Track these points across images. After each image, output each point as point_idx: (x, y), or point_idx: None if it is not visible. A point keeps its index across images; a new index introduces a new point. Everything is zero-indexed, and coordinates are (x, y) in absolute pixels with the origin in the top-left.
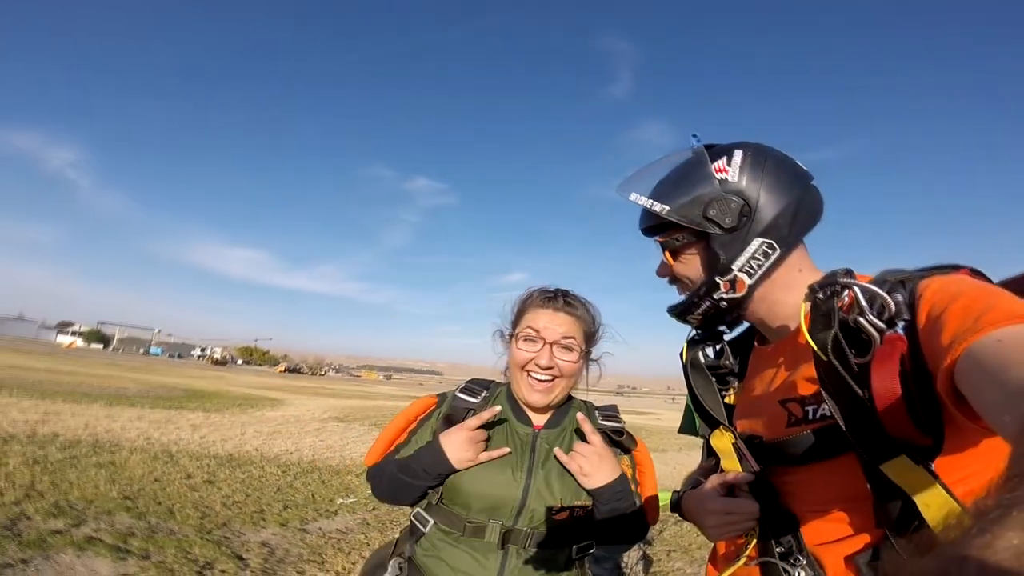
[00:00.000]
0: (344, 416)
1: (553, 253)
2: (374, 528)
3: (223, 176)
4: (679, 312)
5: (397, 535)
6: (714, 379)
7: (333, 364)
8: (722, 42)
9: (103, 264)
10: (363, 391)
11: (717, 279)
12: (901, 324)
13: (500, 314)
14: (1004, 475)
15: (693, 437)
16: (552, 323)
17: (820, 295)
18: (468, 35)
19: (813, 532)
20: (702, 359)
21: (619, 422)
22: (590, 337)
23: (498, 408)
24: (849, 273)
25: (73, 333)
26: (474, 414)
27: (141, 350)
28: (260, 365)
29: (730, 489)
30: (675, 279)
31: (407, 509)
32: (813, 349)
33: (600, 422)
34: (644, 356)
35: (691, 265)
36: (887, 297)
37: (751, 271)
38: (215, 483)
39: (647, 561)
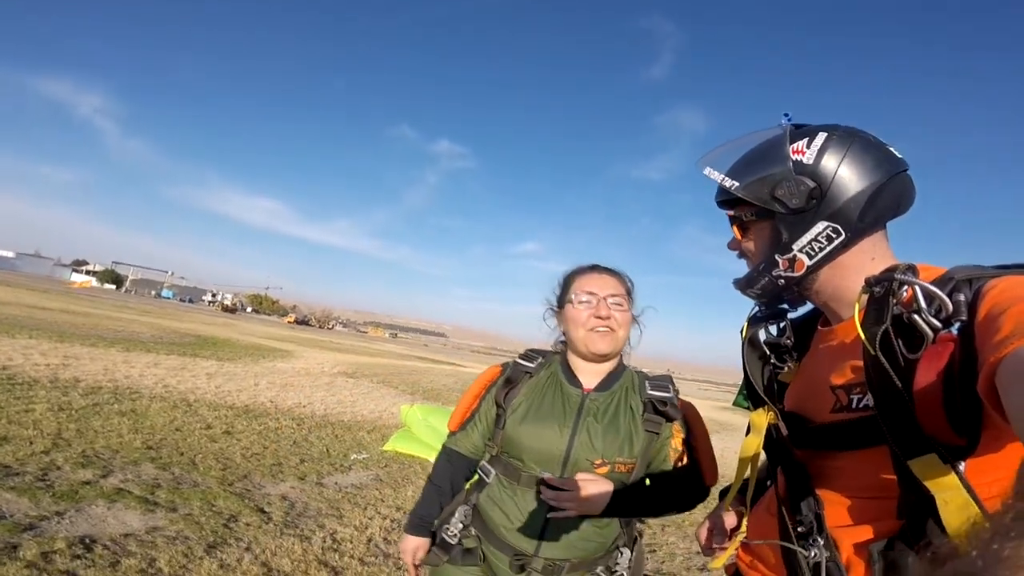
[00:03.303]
0: (353, 372)
1: (570, 227)
2: (387, 484)
3: (245, 126)
4: (741, 285)
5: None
6: (773, 356)
7: (340, 318)
8: (771, 32)
9: (122, 206)
10: (370, 348)
11: (776, 257)
12: (957, 324)
13: (545, 297)
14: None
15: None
16: (600, 283)
17: (876, 289)
18: (506, 2)
19: (835, 516)
20: (761, 336)
21: (668, 392)
22: (630, 293)
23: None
24: (911, 269)
25: (88, 272)
26: (530, 376)
27: (153, 292)
28: (269, 314)
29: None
30: (743, 254)
31: (418, 468)
32: (862, 341)
33: (649, 392)
34: (646, 337)
35: (756, 241)
36: (944, 298)
37: (811, 253)
38: (233, 434)
39: (639, 535)
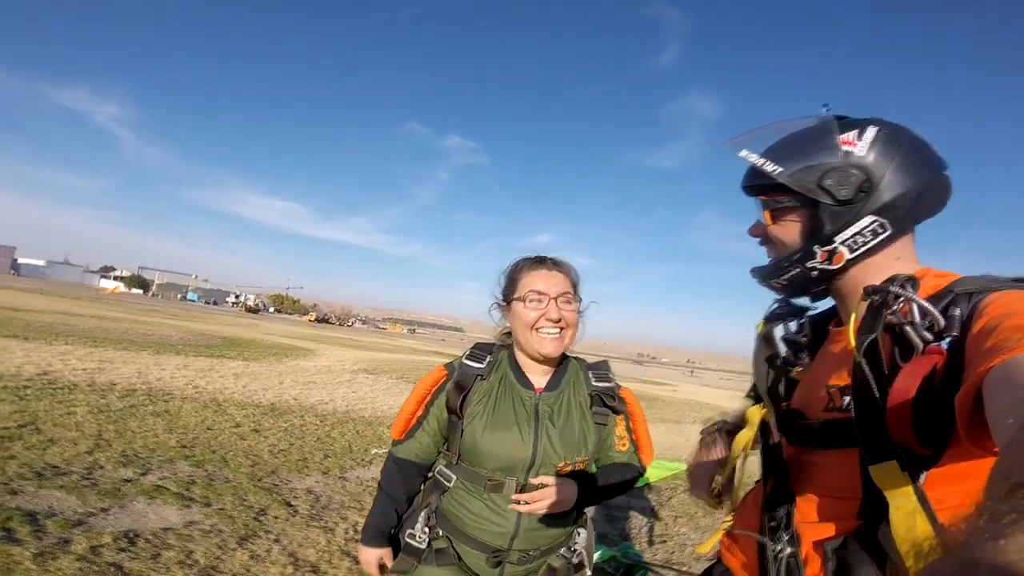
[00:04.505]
0: (373, 368)
1: (583, 217)
2: None
3: (259, 129)
4: (765, 274)
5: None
6: (789, 352)
7: (360, 315)
8: (779, 14)
9: (144, 212)
10: (389, 344)
11: (816, 247)
12: (948, 339)
13: (490, 290)
14: (1004, 482)
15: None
16: (550, 281)
17: (875, 297)
18: None
19: (806, 512)
20: (779, 332)
21: (611, 381)
22: (576, 287)
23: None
24: (910, 281)
25: (115, 278)
26: (482, 379)
27: (178, 295)
28: (291, 314)
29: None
30: (767, 241)
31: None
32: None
33: (593, 383)
34: (667, 326)
35: (790, 230)
36: (936, 315)
37: (854, 246)
38: (261, 432)
39: (653, 527)
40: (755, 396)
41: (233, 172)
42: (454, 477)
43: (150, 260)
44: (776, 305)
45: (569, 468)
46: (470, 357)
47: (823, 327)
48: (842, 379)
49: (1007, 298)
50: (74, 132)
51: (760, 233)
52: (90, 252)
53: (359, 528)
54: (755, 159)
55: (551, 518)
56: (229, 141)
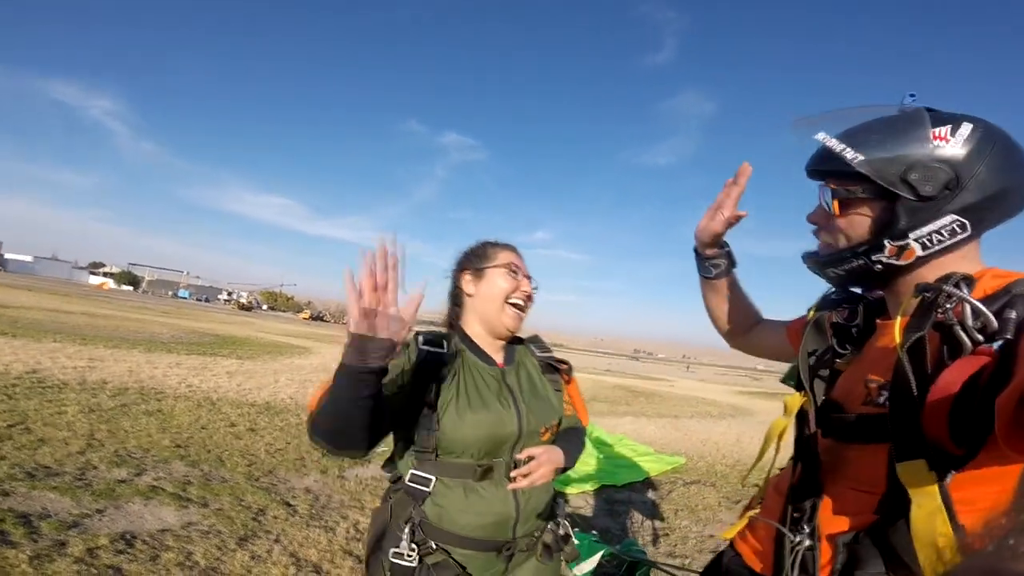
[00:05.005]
0: None
1: (580, 214)
2: None
3: (258, 127)
4: (823, 262)
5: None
6: (836, 341)
7: None
8: (772, 11)
9: (135, 208)
10: None
11: (886, 241)
12: (1000, 341)
13: (446, 268)
14: None
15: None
16: (519, 260)
17: (927, 295)
18: None
19: (828, 504)
20: (827, 320)
21: (551, 350)
22: None
23: None
24: (965, 279)
25: (104, 274)
26: (446, 366)
27: (169, 293)
28: (285, 311)
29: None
30: (826, 228)
31: None
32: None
33: (539, 354)
34: (662, 322)
35: (859, 221)
36: (989, 316)
37: (928, 244)
38: (257, 431)
39: (654, 522)
40: (795, 381)
41: (228, 169)
42: (433, 479)
43: (142, 257)
44: (833, 292)
45: (549, 435)
46: (429, 343)
47: (873, 318)
48: (883, 374)
49: None
50: (63, 127)
51: (821, 220)
52: (79, 248)
53: (360, 527)
54: (833, 143)
55: (544, 490)
56: (225, 138)
